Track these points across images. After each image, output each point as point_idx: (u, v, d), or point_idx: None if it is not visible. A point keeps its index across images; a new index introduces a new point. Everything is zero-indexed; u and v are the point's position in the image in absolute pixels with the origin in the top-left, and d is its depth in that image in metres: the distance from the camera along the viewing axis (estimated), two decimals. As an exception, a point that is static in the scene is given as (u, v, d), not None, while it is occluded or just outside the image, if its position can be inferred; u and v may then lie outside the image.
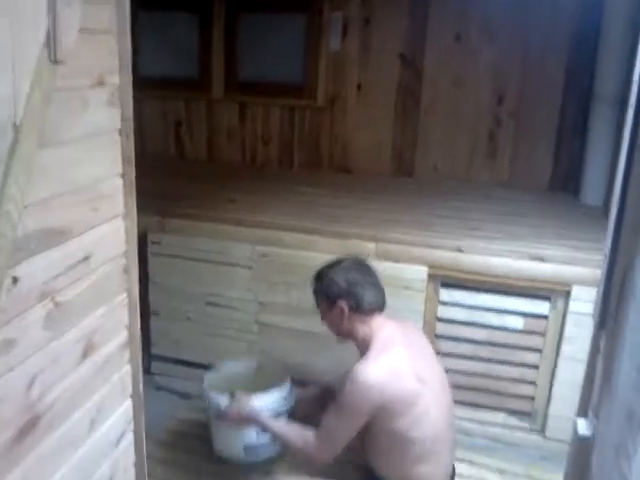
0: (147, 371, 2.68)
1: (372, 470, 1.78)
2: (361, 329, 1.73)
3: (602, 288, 1.04)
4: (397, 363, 1.65)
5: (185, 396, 2.60)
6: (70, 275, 1.06)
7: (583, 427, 1.06)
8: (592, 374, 1.10)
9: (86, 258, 1.10)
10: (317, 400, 2.05)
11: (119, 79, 1.11)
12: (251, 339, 2.59)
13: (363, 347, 1.72)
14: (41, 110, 0.87)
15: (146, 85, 3.52)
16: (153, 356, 2.73)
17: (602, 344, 1.06)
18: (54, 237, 1.01)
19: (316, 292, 1.81)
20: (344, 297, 1.72)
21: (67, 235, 1.04)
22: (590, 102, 2.96)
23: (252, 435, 2.00)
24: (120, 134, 1.14)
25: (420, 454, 1.68)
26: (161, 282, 2.64)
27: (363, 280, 1.75)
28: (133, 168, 1.18)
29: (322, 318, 1.82)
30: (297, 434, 1.77)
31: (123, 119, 1.13)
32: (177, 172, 3.47)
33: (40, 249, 0.97)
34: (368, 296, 1.72)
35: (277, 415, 1.97)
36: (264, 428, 1.90)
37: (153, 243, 2.62)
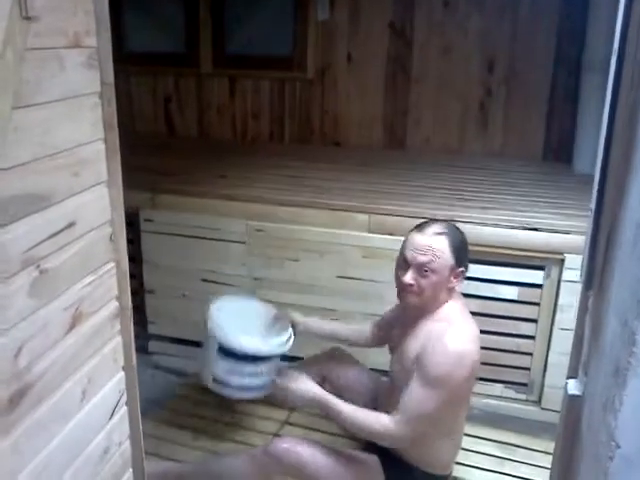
0: (145, 350, 2.68)
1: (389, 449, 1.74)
2: (443, 295, 1.65)
3: (588, 248, 1.04)
4: (477, 330, 1.63)
5: (183, 374, 2.61)
6: (54, 242, 1.04)
7: (573, 386, 1.06)
8: (581, 334, 1.10)
9: (70, 225, 1.08)
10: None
11: (97, 41, 1.09)
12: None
13: (430, 311, 1.64)
14: (15, 69, 0.84)
15: (135, 62, 3.49)
16: (150, 335, 2.72)
17: (590, 304, 1.06)
18: (35, 202, 0.99)
19: (445, 248, 1.59)
20: (464, 264, 1.65)
21: (48, 201, 1.02)
22: (580, 70, 2.93)
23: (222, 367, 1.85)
24: (100, 97, 1.11)
25: (446, 429, 1.66)
26: (155, 260, 2.62)
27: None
28: (116, 135, 1.16)
29: (425, 273, 1.58)
30: (372, 417, 1.61)
31: (103, 83, 1.11)
32: (168, 149, 3.44)
33: (21, 215, 0.95)
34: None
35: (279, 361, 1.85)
36: (329, 412, 1.67)
37: (145, 221, 2.60)
